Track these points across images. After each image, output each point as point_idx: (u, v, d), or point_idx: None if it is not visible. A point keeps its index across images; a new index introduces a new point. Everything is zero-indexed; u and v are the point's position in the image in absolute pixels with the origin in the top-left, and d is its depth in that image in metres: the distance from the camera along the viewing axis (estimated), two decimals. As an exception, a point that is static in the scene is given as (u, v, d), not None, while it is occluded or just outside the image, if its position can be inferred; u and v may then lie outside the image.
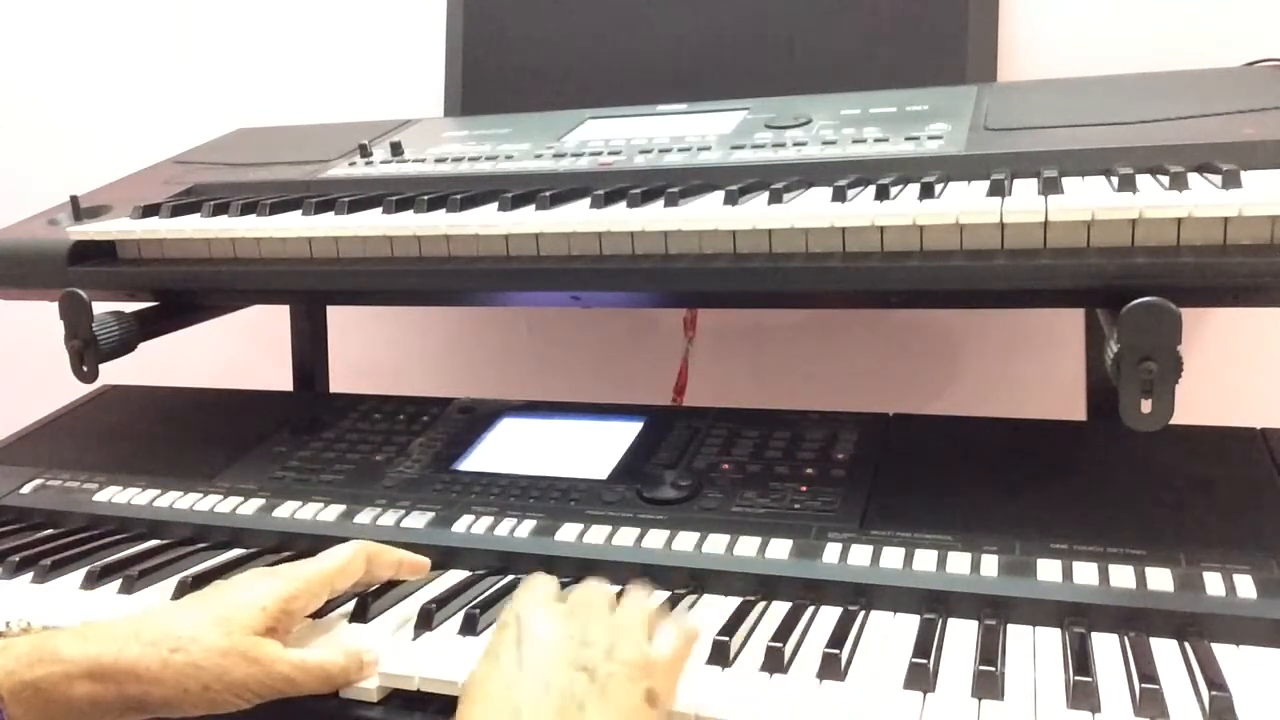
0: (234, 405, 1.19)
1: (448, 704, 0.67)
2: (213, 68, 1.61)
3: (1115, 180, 0.73)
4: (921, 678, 0.63)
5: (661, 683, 0.60)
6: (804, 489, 0.86)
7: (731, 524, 0.82)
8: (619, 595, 0.66)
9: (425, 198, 0.89)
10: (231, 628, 0.66)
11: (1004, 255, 0.73)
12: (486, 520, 0.87)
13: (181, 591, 0.81)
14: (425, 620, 0.74)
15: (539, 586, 0.66)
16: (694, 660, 0.67)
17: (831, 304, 1.23)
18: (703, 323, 1.36)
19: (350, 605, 0.77)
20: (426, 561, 0.81)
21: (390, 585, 0.80)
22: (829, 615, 0.73)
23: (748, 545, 0.79)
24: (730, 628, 0.70)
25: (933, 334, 1.33)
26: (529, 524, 0.86)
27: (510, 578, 0.82)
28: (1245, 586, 0.69)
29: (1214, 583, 0.70)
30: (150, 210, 1.01)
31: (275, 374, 1.35)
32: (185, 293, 1.07)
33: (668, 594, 0.77)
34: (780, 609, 0.74)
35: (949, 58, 1.15)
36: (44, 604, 0.82)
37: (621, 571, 0.80)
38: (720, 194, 0.82)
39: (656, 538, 0.82)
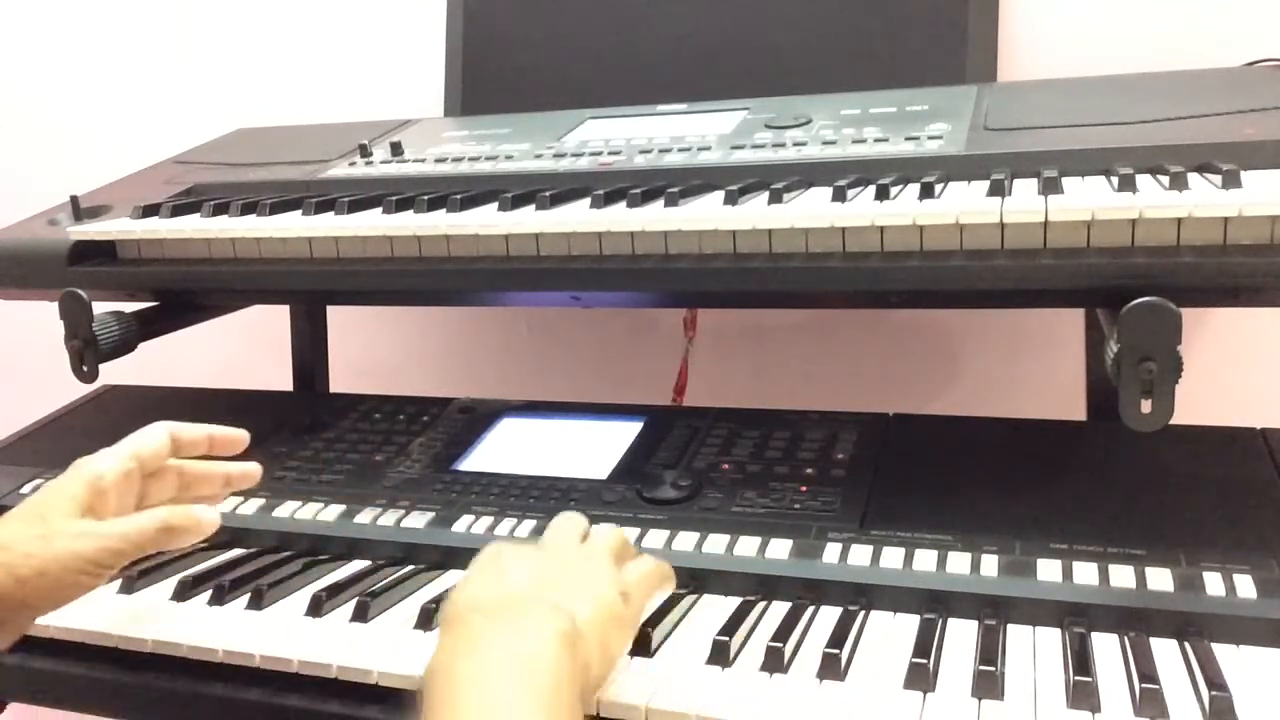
0: (234, 405, 1.19)
1: (448, 704, 0.67)
2: (213, 68, 1.61)
3: (1115, 180, 0.73)
4: (921, 678, 0.63)
5: (634, 589, 0.65)
6: (804, 489, 0.86)
7: (731, 524, 0.82)
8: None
9: (425, 198, 0.89)
10: (48, 518, 0.70)
11: (1004, 255, 0.73)
12: (486, 520, 0.87)
13: (182, 592, 0.81)
14: (425, 620, 0.74)
15: (505, 542, 0.70)
16: (693, 659, 0.67)
17: (831, 304, 1.23)
18: (703, 323, 1.36)
19: (351, 606, 0.77)
20: (242, 436, 0.83)
21: (391, 585, 0.80)
22: (829, 615, 0.73)
23: (748, 545, 0.79)
24: (730, 628, 0.70)
25: (933, 334, 1.33)
26: (529, 524, 0.86)
27: (510, 578, 0.81)
28: (1245, 586, 0.69)
29: (1214, 583, 0.70)
30: (150, 210, 1.01)
31: (275, 374, 1.35)
32: (185, 293, 1.07)
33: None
34: (780, 609, 0.74)
35: (949, 58, 1.15)
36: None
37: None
38: (720, 194, 0.82)
39: (656, 538, 0.82)
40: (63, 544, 0.68)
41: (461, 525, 0.87)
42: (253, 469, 0.83)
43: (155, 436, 0.78)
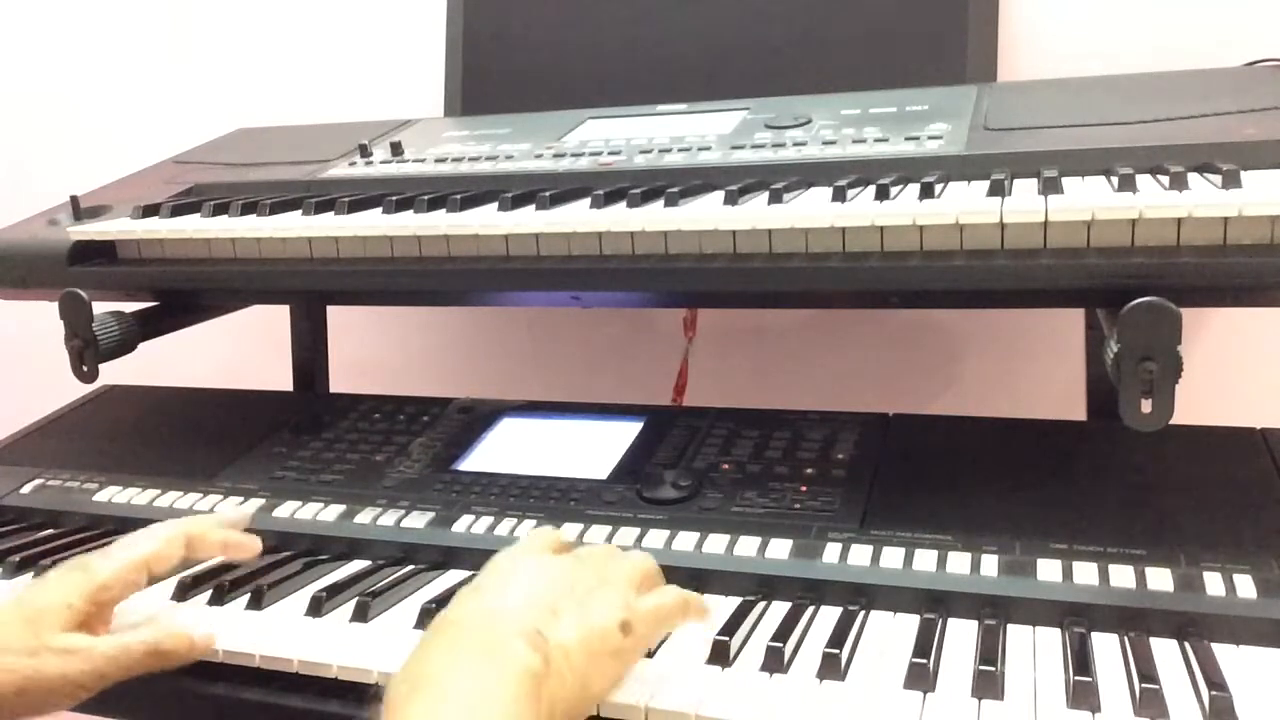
0: (234, 405, 1.19)
1: (448, 704, 0.67)
2: (212, 68, 1.61)
3: (1115, 180, 0.74)
4: (921, 678, 0.63)
5: (640, 621, 0.62)
6: (804, 489, 0.86)
7: (731, 524, 0.82)
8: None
9: (425, 198, 0.89)
10: (40, 628, 0.67)
11: (1004, 255, 0.73)
12: (486, 520, 0.87)
13: (182, 592, 0.81)
14: (425, 620, 0.74)
15: (548, 532, 0.68)
16: (693, 659, 0.67)
17: (831, 304, 1.23)
18: (703, 323, 1.36)
19: (351, 606, 0.77)
20: (256, 543, 0.81)
21: (390, 585, 0.80)
22: (829, 615, 0.73)
23: (748, 545, 0.79)
24: (730, 628, 0.70)
25: (933, 334, 1.33)
26: (529, 524, 0.86)
27: (510, 578, 0.82)
28: (1245, 586, 0.69)
29: (1214, 583, 0.70)
30: (150, 210, 1.01)
31: (275, 374, 1.35)
32: (185, 293, 1.07)
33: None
34: (780, 609, 0.74)
35: (949, 58, 1.15)
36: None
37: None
38: (720, 194, 0.82)
39: (656, 538, 0.82)
40: (51, 664, 0.66)
41: (461, 525, 0.87)
42: (253, 544, 0.81)
43: (169, 550, 0.75)
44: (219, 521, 0.81)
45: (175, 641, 0.71)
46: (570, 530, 0.84)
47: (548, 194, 0.86)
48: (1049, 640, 0.68)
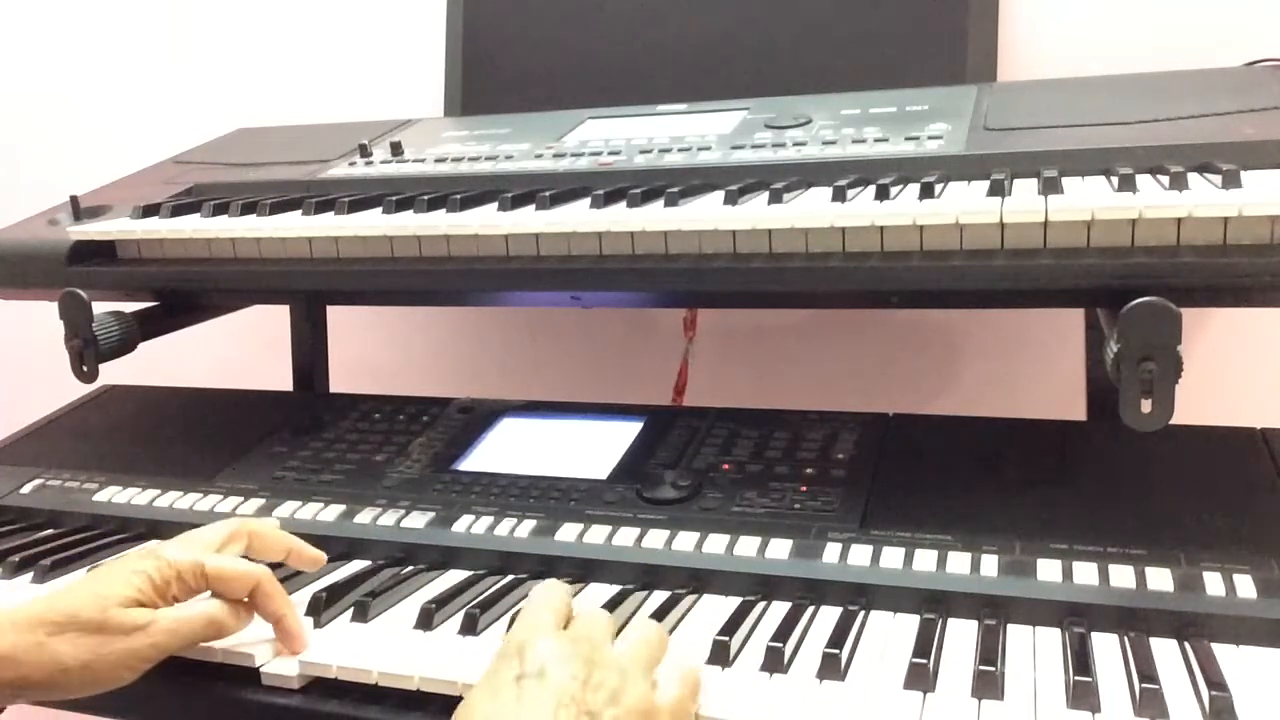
0: (234, 405, 1.19)
1: (448, 703, 0.67)
2: (212, 68, 1.61)
3: (1115, 180, 0.74)
4: (921, 678, 0.63)
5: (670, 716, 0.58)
6: (804, 489, 0.86)
7: (731, 524, 0.82)
8: (623, 625, 0.65)
9: (425, 198, 0.89)
10: (105, 603, 0.68)
11: (1004, 255, 0.73)
12: (486, 520, 0.87)
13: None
14: (425, 620, 0.74)
15: (543, 612, 0.63)
16: (693, 660, 0.67)
17: (831, 304, 1.23)
18: (703, 323, 1.36)
19: (351, 606, 0.77)
20: (322, 556, 0.81)
21: (390, 585, 0.80)
22: (829, 615, 0.73)
23: (748, 545, 0.79)
24: (730, 628, 0.70)
25: (933, 334, 1.33)
26: (529, 524, 0.86)
27: (510, 578, 0.82)
28: (1245, 586, 0.69)
29: (1214, 583, 0.70)
30: (150, 210, 1.01)
31: (275, 374, 1.35)
32: (185, 293, 1.07)
33: (667, 593, 0.77)
34: (780, 609, 0.74)
35: (949, 58, 1.15)
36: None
37: (622, 571, 0.80)
38: (720, 194, 0.82)
39: (656, 538, 0.82)
40: (116, 639, 0.67)
41: (461, 525, 0.87)
42: (316, 556, 0.80)
43: (240, 583, 0.73)
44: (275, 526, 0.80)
45: (226, 614, 0.72)
46: (570, 530, 0.84)
47: (548, 194, 0.86)
48: (1049, 640, 0.68)
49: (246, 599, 0.73)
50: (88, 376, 0.96)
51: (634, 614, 0.74)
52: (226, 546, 0.76)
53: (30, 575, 0.86)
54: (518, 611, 0.73)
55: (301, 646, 0.73)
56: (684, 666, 0.62)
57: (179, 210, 1.00)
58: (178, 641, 0.70)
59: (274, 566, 0.77)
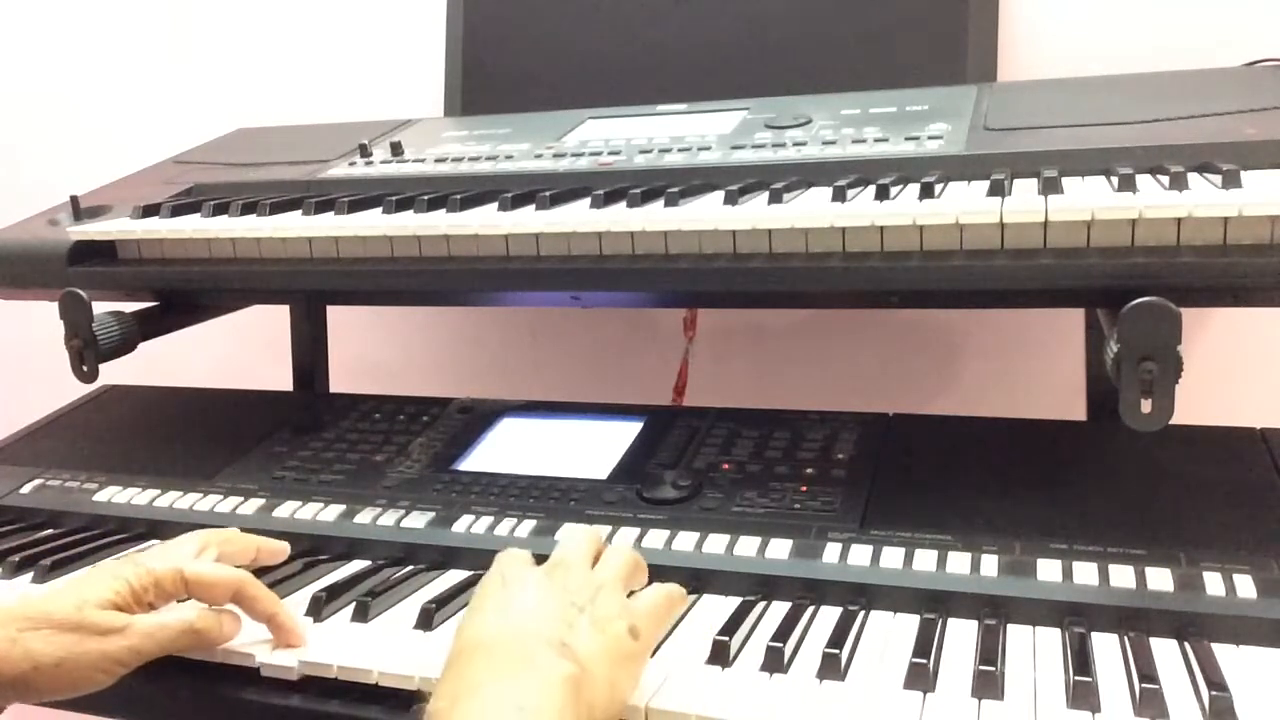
0: (234, 405, 1.19)
1: (448, 704, 0.67)
2: (212, 68, 1.61)
3: (1115, 180, 0.73)
4: (921, 678, 0.63)
5: (643, 624, 0.63)
6: (804, 489, 0.86)
7: (731, 524, 0.82)
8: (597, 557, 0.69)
9: (425, 198, 0.89)
10: (82, 603, 0.68)
11: (1004, 255, 0.73)
12: (486, 520, 0.87)
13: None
14: (425, 620, 0.74)
15: (516, 552, 0.68)
16: (693, 659, 0.67)
17: (831, 304, 1.23)
18: (703, 323, 1.36)
19: (351, 606, 0.77)
20: (285, 546, 0.84)
21: (391, 585, 0.80)
22: (829, 615, 0.73)
23: (748, 545, 0.79)
24: (730, 628, 0.70)
25: (933, 334, 1.33)
26: (529, 524, 0.86)
27: (510, 578, 0.81)
28: (1245, 586, 0.69)
29: (1214, 583, 0.70)
30: (150, 210, 1.01)
31: (275, 374, 1.35)
32: (185, 293, 1.07)
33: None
34: (780, 609, 0.74)
35: (949, 58, 1.15)
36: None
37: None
38: (720, 194, 0.82)
39: (656, 538, 0.82)
40: (91, 640, 0.67)
41: (461, 525, 0.87)
42: (281, 547, 0.84)
43: (222, 589, 0.73)
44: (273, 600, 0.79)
45: (208, 622, 0.72)
46: (570, 530, 0.84)
47: (548, 194, 0.86)
48: (1049, 640, 0.68)
49: (232, 605, 0.74)
50: (88, 376, 0.96)
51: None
52: (200, 555, 0.76)
53: (30, 575, 0.86)
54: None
55: (299, 641, 0.73)
56: (662, 586, 0.68)
57: (179, 210, 1.00)
58: (153, 646, 0.69)
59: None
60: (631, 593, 0.67)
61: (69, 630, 0.67)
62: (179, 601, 0.74)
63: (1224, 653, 0.65)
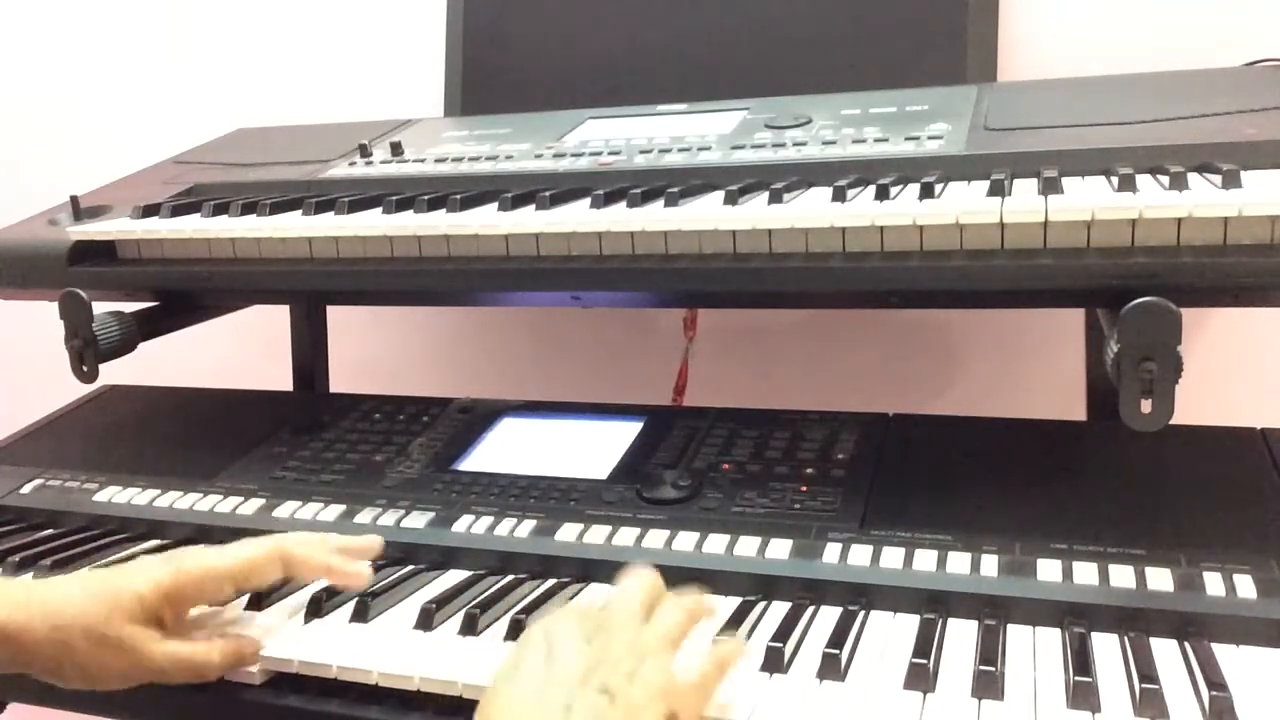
0: (234, 405, 1.19)
1: (448, 704, 0.67)
2: (212, 68, 1.61)
3: (1115, 180, 0.73)
4: (921, 678, 0.63)
5: (685, 706, 0.58)
6: (804, 489, 0.86)
7: (731, 524, 0.82)
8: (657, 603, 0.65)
9: (425, 198, 0.89)
10: (112, 614, 0.69)
11: (1004, 255, 0.73)
12: (486, 520, 0.87)
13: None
14: (425, 620, 0.74)
15: (572, 612, 0.63)
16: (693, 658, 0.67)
17: (831, 304, 1.23)
18: (703, 323, 1.36)
19: (351, 606, 0.77)
20: (364, 574, 0.77)
21: (391, 585, 0.80)
22: (829, 615, 0.73)
23: (748, 545, 0.79)
24: (730, 628, 0.70)
25: (933, 334, 1.33)
26: (529, 524, 0.86)
27: (510, 578, 0.82)
28: (1245, 586, 0.69)
29: (1214, 583, 0.70)
30: (150, 210, 1.01)
31: (275, 374, 1.35)
32: (185, 293, 1.07)
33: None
34: (780, 609, 0.74)
35: (949, 58, 1.15)
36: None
37: (622, 572, 0.80)
38: (720, 194, 0.82)
39: (656, 538, 0.82)
40: (108, 654, 0.69)
41: (461, 525, 0.87)
42: (362, 574, 0.77)
43: (263, 566, 0.74)
44: (331, 545, 0.78)
45: (228, 659, 0.72)
46: (570, 530, 0.84)
47: (548, 194, 0.86)
48: (1049, 640, 0.68)
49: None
50: (88, 376, 0.96)
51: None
52: (257, 568, 0.75)
53: (30, 575, 0.86)
54: (517, 612, 0.73)
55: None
56: (716, 646, 0.63)
57: (179, 210, 1.00)
58: (171, 676, 0.70)
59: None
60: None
61: (95, 642, 0.68)
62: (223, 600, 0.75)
63: (1224, 653, 0.65)
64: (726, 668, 0.63)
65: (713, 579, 0.78)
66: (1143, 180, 0.74)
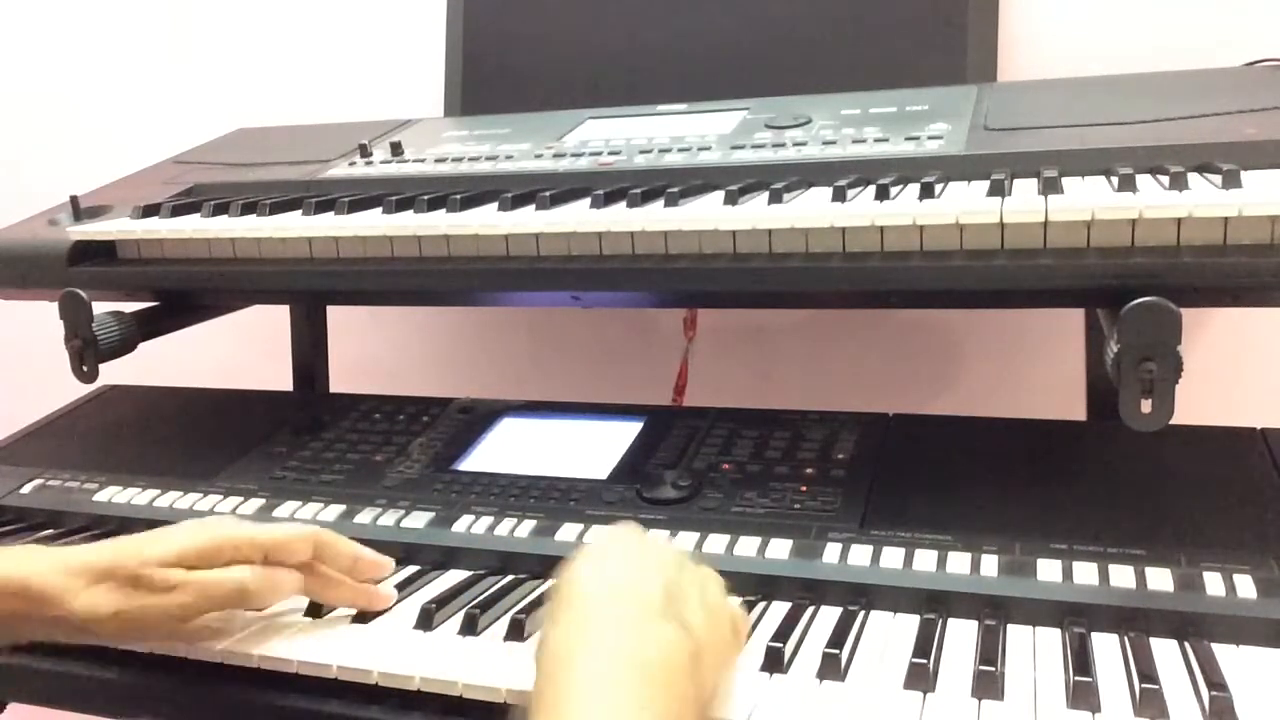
0: (234, 405, 1.19)
1: (448, 704, 0.67)
2: (212, 68, 1.61)
3: (1115, 180, 0.73)
4: (921, 678, 0.63)
5: (738, 619, 0.62)
6: (804, 489, 0.86)
7: (731, 524, 0.82)
8: None
9: (425, 198, 0.89)
10: (146, 560, 0.70)
11: (1004, 255, 0.73)
12: (486, 520, 0.87)
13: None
14: (425, 620, 0.74)
15: (632, 525, 0.67)
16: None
17: (831, 304, 1.23)
18: (703, 323, 1.36)
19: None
20: (388, 563, 0.80)
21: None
22: (829, 615, 0.73)
23: (748, 545, 0.79)
24: (730, 628, 0.70)
25: (933, 334, 1.33)
26: (529, 524, 0.86)
27: (510, 578, 0.82)
28: (1245, 586, 0.69)
29: (1214, 583, 0.70)
30: (150, 210, 1.01)
31: (275, 374, 1.35)
32: (185, 293, 1.07)
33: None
34: (780, 609, 0.74)
35: (949, 58, 1.15)
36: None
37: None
38: (720, 194, 0.82)
39: (656, 538, 0.82)
40: (148, 596, 0.69)
41: (461, 525, 0.87)
42: (385, 564, 0.80)
43: (296, 545, 0.74)
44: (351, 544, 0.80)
45: (259, 582, 0.72)
46: (570, 530, 0.84)
47: (548, 194, 0.86)
48: (1049, 640, 0.68)
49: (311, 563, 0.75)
50: (88, 376, 0.96)
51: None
52: (290, 545, 0.75)
53: (30, 575, 0.86)
54: (517, 612, 0.73)
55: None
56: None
57: (179, 210, 1.00)
58: (206, 603, 0.71)
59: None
60: None
61: (128, 584, 0.69)
62: None
63: (1224, 653, 0.65)
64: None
65: (713, 579, 0.78)
66: (1143, 180, 0.74)
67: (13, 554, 0.71)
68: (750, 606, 0.74)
